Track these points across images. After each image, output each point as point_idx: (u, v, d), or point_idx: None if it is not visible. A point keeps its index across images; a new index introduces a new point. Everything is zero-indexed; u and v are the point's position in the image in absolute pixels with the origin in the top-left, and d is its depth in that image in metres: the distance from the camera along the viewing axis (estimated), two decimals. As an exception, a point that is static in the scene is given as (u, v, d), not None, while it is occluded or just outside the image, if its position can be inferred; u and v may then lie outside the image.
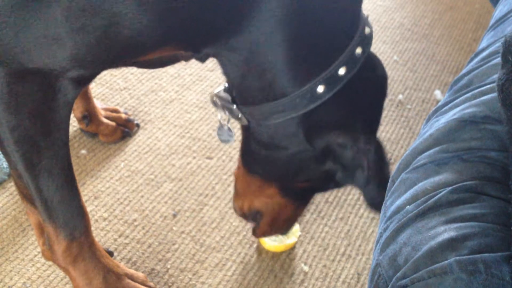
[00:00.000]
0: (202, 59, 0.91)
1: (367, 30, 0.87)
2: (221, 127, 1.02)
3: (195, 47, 0.85)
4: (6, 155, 0.87)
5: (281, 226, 1.12)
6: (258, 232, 1.12)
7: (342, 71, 0.84)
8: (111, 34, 0.76)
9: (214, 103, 0.97)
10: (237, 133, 1.10)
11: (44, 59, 0.77)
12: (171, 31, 0.79)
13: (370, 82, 0.90)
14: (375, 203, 0.94)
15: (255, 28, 0.81)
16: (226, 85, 0.95)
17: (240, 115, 0.92)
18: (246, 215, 1.10)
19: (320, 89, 0.84)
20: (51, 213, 0.91)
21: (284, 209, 1.05)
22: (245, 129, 0.96)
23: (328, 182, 0.99)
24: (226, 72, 0.90)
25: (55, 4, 0.73)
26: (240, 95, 0.91)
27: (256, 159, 0.98)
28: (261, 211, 1.07)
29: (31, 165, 0.86)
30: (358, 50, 0.85)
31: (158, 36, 0.79)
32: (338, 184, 0.99)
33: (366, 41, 0.87)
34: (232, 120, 0.97)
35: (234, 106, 0.92)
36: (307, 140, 0.89)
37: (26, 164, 0.86)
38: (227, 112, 0.95)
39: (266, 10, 0.79)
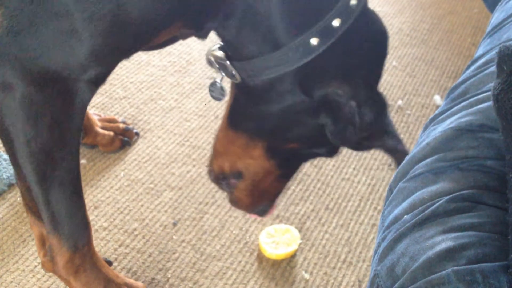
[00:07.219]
0: (203, 36, 0.91)
1: None
2: (214, 83, 0.99)
3: (198, 22, 0.85)
4: (17, 167, 0.86)
5: (261, 198, 1.06)
6: (235, 198, 1.06)
7: (336, 22, 0.83)
8: (121, 18, 0.77)
9: (209, 62, 0.94)
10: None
11: (64, 57, 0.78)
12: (176, 7, 0.80)
13: (369, 36, 0.89)
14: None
15: None
16: (221, 43, 0.93)
17: (234, 72, 0.90)
18: (222, 178, 1.04)
19: (314, 41, 0.83)
20: (57, 225, 0.91)
21: (267, 174, 1.01)
22: (237, 87, 0.94)
23: (317, 145, 0.96)
24: (220, 33, 0.89)
25: None
26: (234, 51, 0.90)
27: (246, 116, 0.95)
28: (242, 173, 1.01)
29: (44, 178, 0.85)
30: (353, 1, 0.84)
31: (165, 14, 0.80)
32: (326, 152, 0.98)
33: None
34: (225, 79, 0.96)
35: (228, 62, 0.90)
36: (305, 90, 0.87)
37: (38, 177, 0.85)
38: (221, 70, 0.93)
39: None
